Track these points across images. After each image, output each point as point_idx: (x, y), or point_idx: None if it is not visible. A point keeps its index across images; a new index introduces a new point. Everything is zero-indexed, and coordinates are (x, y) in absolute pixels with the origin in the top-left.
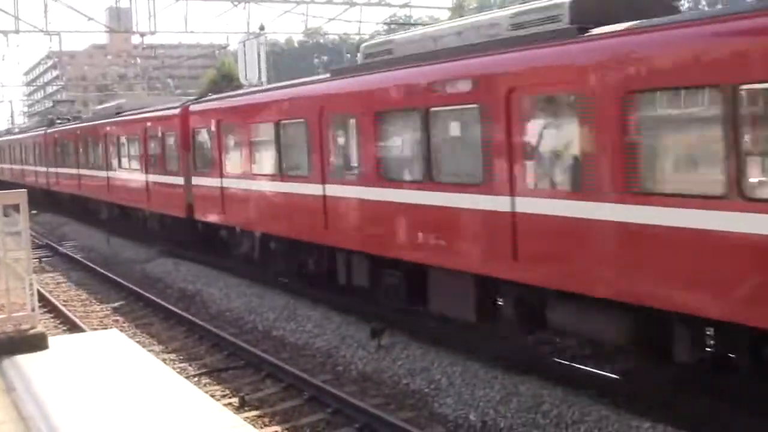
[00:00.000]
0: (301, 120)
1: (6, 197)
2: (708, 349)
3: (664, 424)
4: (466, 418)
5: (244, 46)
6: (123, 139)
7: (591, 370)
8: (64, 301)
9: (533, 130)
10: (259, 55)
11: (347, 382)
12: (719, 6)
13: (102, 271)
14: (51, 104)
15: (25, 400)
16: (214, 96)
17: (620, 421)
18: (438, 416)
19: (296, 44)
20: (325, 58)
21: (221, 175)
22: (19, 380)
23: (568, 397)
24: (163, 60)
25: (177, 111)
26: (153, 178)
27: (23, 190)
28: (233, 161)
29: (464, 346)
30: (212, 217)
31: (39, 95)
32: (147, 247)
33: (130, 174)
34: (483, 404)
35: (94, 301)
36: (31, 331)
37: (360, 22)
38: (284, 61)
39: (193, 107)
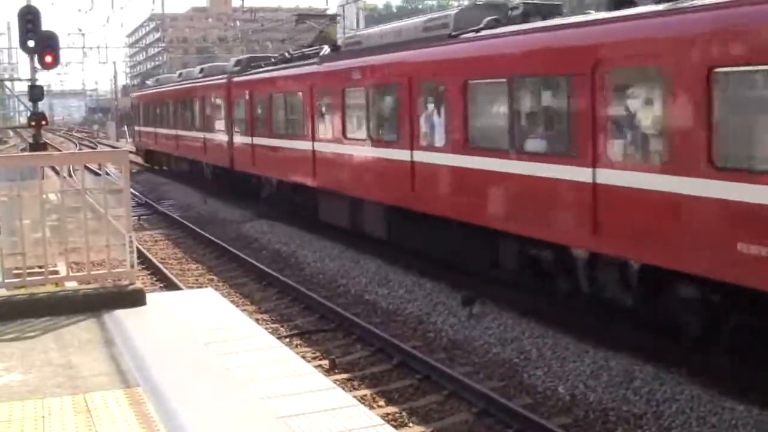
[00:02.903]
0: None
1: (108, 156)
2: None
3: (759, 407)
4: (555, 390)
5: (344, 10)
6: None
7: (683, 348)
8: (161, 258)
9: None
10: (357, 19)
11: (437, 348)
12: None
13: (198, 230)
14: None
15: (123, 353)
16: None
17: (713, 402)
18: (527, 387)
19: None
20: None
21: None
22: (118, 334)
23: (659, 375)
24: (262, 23)
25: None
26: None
27: (124, 149)
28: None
29: (555, 319)
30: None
31: (141, 57)
32: (243, 209)
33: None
34: (573, 377)
35: (189, 259)
36: (130, 287)
37: None
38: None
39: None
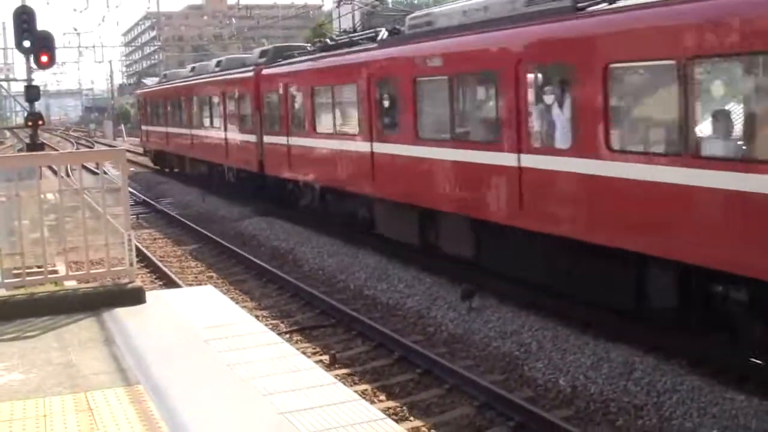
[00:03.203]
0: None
1: (106, 155)
2: None
3: (760, 397)
4: (556, 382)
5: (339, 6)
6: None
7: (682, 339)
8: (160, 256)
9: None
10: (353, 16)
11: (437, 343)
12: None
13: (197, 228)
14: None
15: (123, 351)
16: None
17: (714, 392)
18: (528, 379)
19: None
20: None
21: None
22: (118, 332)
23: (660, 366)
24: (258, 20)
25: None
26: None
27: (122, 148)
28: None
29: (555, 311)
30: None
31: (137, 55)
32: (241, 206)
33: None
34: (573, 369)
35: (189, 257)
36: (129, 285)
37: None
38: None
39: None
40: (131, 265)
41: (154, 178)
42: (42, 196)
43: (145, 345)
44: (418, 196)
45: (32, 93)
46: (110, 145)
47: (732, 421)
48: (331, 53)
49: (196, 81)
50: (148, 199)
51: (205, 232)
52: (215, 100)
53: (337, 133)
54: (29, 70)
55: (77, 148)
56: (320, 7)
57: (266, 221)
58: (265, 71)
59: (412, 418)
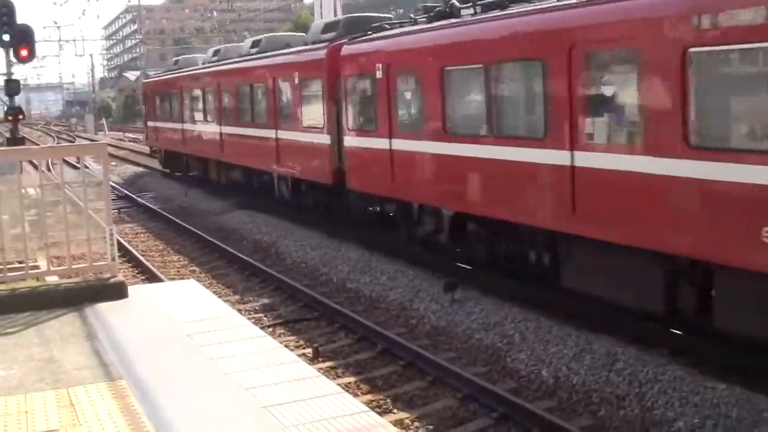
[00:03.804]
0: None
1: (87, 150)
2: None
3: (741, 386)
4: (539, 373)
5: None
6: None
7: (665, 329)
8: (142, 251)
9: None
10: (335, 8)
11: (420, 335)
12: None
13: (180, 222)
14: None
15: (105, 346)
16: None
17: (695, 382)
18: (510, 371)
19: None
20: (401, 11)
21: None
22: (100, 327)
23: (641, 356)
24: (239, 13)
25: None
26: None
27: (103, 142)
28: None
29: (537, 303)
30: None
31: (118, 49)
32: (223, 200)
33: None
34: (556, 360)
35: (171, 251)
36: (112, 280)
37: None
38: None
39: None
40: (113, 259)
41: (136, 172)
42: (23, 190)
43: (128, 340)
44: (662, 236)
45: (12, 87)
46: (91, 140)
47: (713, 409)
48: (483, 17)
49: (227, 67)
50: (130, 193)
51: (188, 226)
52: (259, 89)
53: (498, 136)
54: (9, 64)
55: (58, 143)
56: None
57: (248, 214)
58: (347, 48)
59: (395, 411)
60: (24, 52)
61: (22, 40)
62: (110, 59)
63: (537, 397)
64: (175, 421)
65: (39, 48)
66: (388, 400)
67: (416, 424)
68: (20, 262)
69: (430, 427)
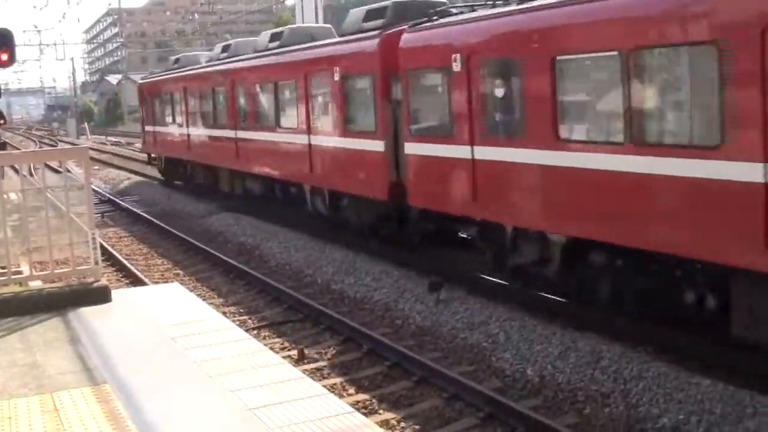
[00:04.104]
0: None
1: (69, 154)
2: None
3: (725, 382)
4: (524, 372)
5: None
6: None
7: (649, 326)
8: (126, 255)
9: None
10: (316, 10)
11: (405, 335)
12: None
13: (163, 225)
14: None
15: (89, 351)
16: None
17: (679, 378)
18: (496, 370)
19: None
20: None
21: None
22: (84, 332)
23: (626, 354)
24: (221, 16)
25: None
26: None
27: (85, 146)
28: None
29: (522, 301)
30: None
31: (99, 52)
32: (207, 203)
33: None
34: (541, 359)
35: (155, 254)
36: (95, 284)
37: None
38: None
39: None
40: (96, 263)
41: (119, 176)
42: (4, 195)
43: (112, 344)
44: None
45: None
46: (73, 144)
47: (698, 405)
48: None
49: (244, 64)
50: (113, 197)
51: (172, 230)
52: (286, 88)
53: (641, 143)
54: None
55: (40, 147)
56: (283, 1)
57: (233, 217)
58: (408, 37)
59: (381, 411)
60: (4, 57)
61: (2, 45)
62: (91, 63)
63: (522, 395)
64: (160, 424)
65: (19, 52)
66: (374, 401)
67: (402, 424)
68: (2, 267)
69: (417, 427)
